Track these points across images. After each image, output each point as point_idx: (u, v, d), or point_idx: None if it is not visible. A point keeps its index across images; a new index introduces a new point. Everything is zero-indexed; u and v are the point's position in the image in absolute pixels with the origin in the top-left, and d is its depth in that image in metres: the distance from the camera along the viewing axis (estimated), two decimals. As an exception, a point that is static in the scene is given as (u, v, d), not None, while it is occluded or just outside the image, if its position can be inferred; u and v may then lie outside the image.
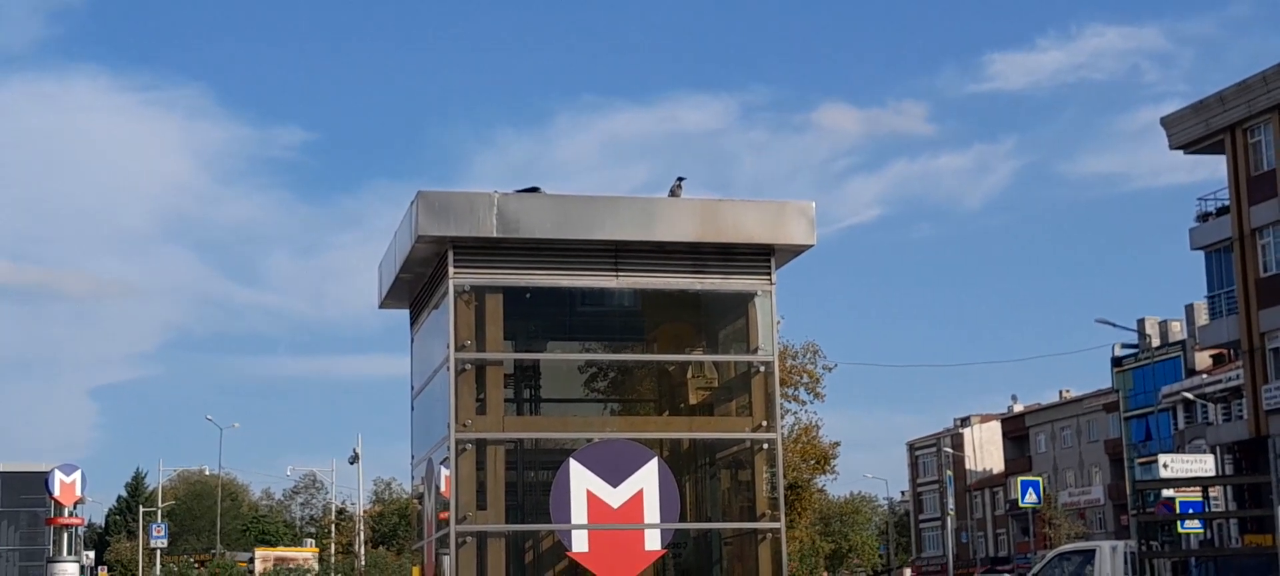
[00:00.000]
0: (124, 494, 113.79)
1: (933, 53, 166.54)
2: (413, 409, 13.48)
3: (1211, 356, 76.50)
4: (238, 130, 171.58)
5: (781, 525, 12.11)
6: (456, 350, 11.62)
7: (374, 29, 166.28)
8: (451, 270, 11.73)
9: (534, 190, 12.24)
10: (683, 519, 12.25)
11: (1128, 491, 77.03)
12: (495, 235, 11.67)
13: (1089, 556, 24.52)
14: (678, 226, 12.05)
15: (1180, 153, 49.66)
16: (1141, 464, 66.84)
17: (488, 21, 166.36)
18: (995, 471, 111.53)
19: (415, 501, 14.26)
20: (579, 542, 11.72)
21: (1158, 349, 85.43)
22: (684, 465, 12.79)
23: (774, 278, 12.28)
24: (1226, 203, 49.04)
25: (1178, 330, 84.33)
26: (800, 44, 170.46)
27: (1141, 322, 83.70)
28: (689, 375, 13.17)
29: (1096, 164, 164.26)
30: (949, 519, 25.35)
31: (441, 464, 12.03)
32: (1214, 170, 51.17)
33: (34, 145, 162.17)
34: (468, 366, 11.66)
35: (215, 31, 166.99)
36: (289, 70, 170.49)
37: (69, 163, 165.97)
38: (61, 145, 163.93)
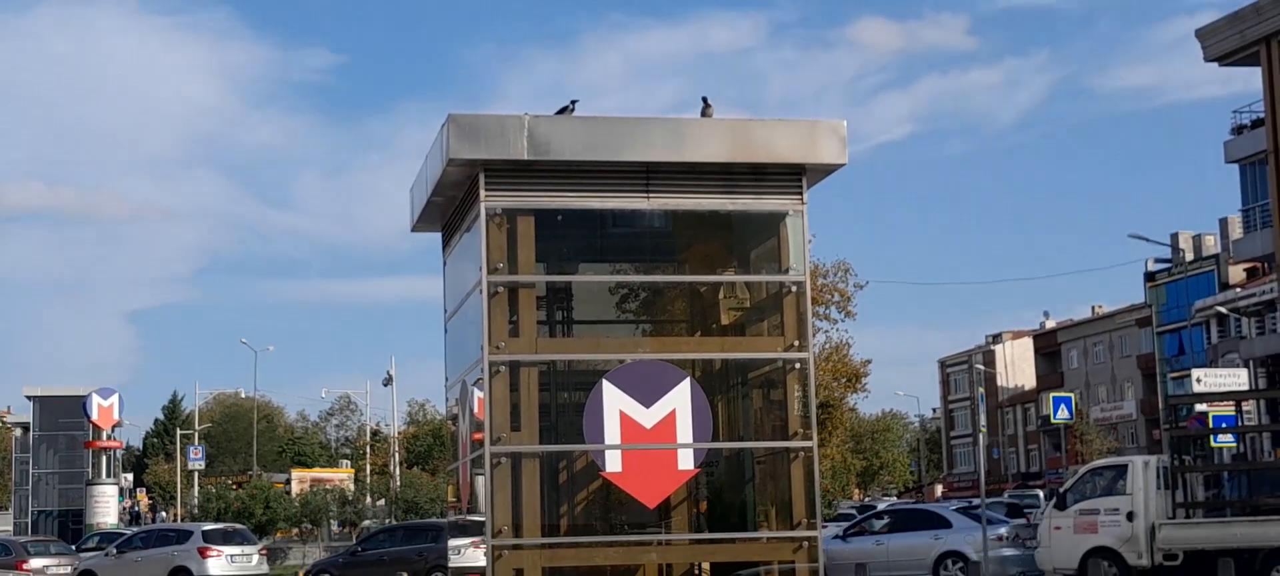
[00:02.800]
0: (161, 417, 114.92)
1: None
2: (446, 331, 13.56)
3: (1245, 270, 76.07)
4: (265, 53, 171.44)
5: (814, 443, 12.17)
6: (489, 273, 11.67)
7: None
8: (483, 193, 11.76)
9: (571, 106, 12.22)
10: (715, 438, 12.33)
11: (1160, 406, 76.90)
12: (526, 158, 11.69)
13: (1121, 471, 24.48)
14: (708, 147, 12.04)
15: (1214, 65, 49.14)
16: (1174, 378, 66.69)
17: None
18: (1027, 388, 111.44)
19: (449, 423, 14.38)
20: (612, 462, 11.82)
21: (1191, 263, 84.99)
22: (716, 385, 12.85)
23: (805, 197, 12.28)
24: (1262, 115, 48.58)
25: (1211, 244, 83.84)
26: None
27: (1175, 237, 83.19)
28: (721, 295, 13.20)
29: (1130, 77, 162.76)
30: (980, 435, 25.47)
31: (475, 386, 12.12)
32: (1249, 82, 50.58)
33: (63, 70, 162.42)
34: (500, 289, 11.72)
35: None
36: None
37: (98, 87, 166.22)
38: (90, 70, 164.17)
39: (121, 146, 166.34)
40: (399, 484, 66.01)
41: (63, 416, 63.98)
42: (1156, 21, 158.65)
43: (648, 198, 12.08)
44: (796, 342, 12.18)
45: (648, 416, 11.87)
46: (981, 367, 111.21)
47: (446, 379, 13.70)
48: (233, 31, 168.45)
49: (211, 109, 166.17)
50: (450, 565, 25.18)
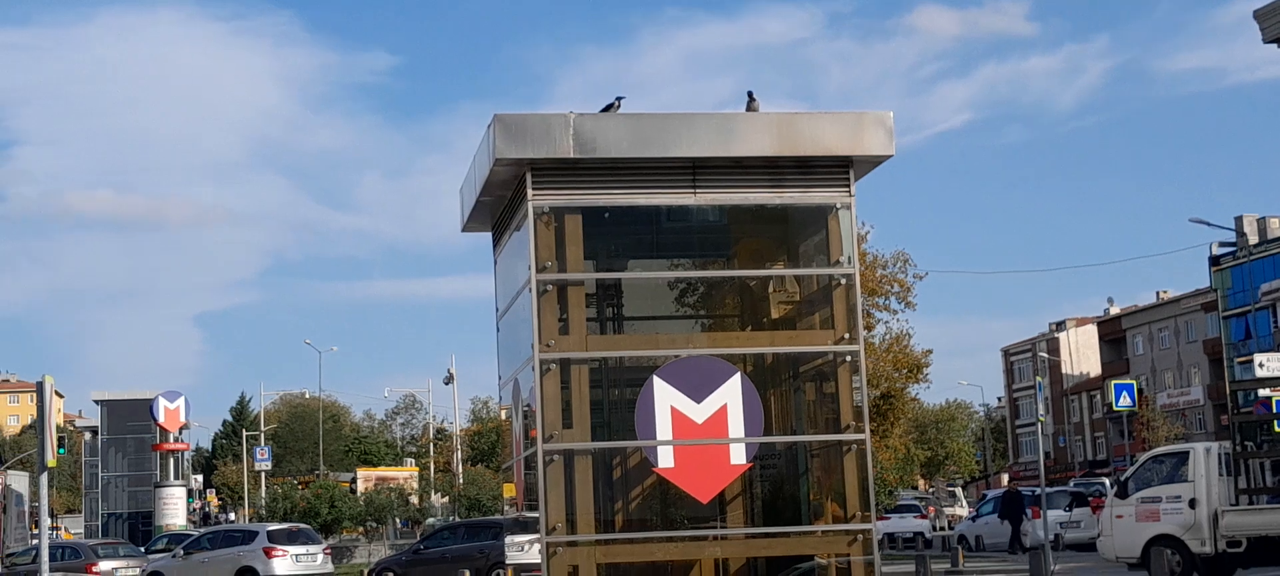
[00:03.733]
0: (229, 418, 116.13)
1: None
2: (498, 330, 13.65)
3: (1312, 252, 75.11)
4: (325, 56, 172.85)
5: (866, 436, 12.15)
6: (538, 271, 11.73)
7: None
8: (530, 192, 11.82)
9: (617, 103, 12.27)
10: (768, 432, 12.34)
11: (1227, 392, 76.10)
12: (572, 156, 11.74)
13: (1182, 458, 24.29)
14: (755, 141, 12.05)
15: (1275, 46, 48.56)
16: (1241, 363, 65.87)
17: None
18: (1092, 375, 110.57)
19: (506, 420, 14.46)
20: (665, 458, 11.85)
21: (1256, 246, 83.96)
22: (768, 379, 12.85)
23: (853, 189, 12.26)
24: (1325, 95, 47.94)
25: (1276, 226, 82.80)
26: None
27: (1239, 220, 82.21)
28: (770, 289, 13.21)
29: (1191, 60, 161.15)
30: (1041, 424, 25.35)
31: (527, 384, 12.19)
32: (1312, 62, 50.01)
33: (125, 78, 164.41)
34: (549, 287, 11.78)
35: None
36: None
37: (161, 94, 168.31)
38: (151, 77, 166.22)
39: (186, 152, 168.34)
40: (462, 481, 66.35)
41: (131, 420, 64.79)
42: (1217, 3, 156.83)
43: (695, 193, 12.11)
44: (847, 335, 12.16)
45: (699, 411, 11.90)
46: (1045, 355, 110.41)
47: (499, 377, 13.79)
48: (292, 35, 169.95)
49: (273, 112, 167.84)
50: (509, 561, 25.31)
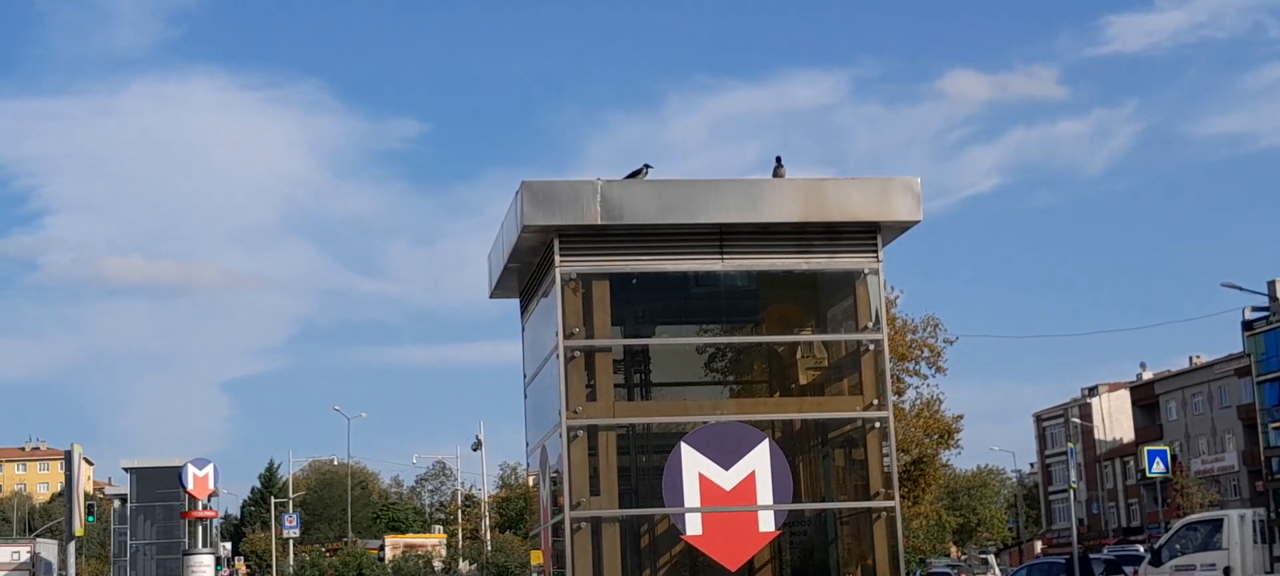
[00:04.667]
0: (258, 485, 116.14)
1: (1050, 18, 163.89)
2: (526, 396, 13.61)
3: (1346, 317, 74.57)
4: (354, 123, 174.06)
5: (896, 503, 12.05)
6: (565, 337, 11.71)
7: (485, 18, 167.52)
8: (558, 258, 11.82)
9: (644, 169, 12.28)
10: (796, 499, 12.24)
11: (1262, 457, 75.40)
12: (599, 222, 11.74)
13: (1217, 525, 24.08)
14: (782, 207, 12.03)
15: (1306, 110, 48.37)
16: (1275, 429, 65.34)
17: (598, 6, 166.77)
18: (1125, 440, 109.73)
19: (534, 487, 14.41)
20: (693, 525, 11.76)
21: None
22: (796, 445, 12.78)
23: (881, 255, 12.22)
24: (1356, 159, 47.77)
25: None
26: (914, 15, 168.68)
27: (1272, 284, 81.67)
28: (799, 355, 13.15)
29: (1221, 124, 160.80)
30: (1073, 491, 25.16)
31: (554, 450, 12.14)
32: (1343, 126, 49.85)
33: (158, 146, 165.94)
34: (577, 353, 11.75)
35: (330, 28, 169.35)
36: (403, 62, 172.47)
37: (193, 161, 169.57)
38: (183, 145, 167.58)
39: (217, 218, 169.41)
40: (490, 548, 66.10)
41: (160, 487, 64.80)
42: (1247, 67, 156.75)
43: (722, 259, 12.09)
44: (876, 401, 12.09)
45: (727, 478, 11.82)
46: (1078, 421, 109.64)
47: (527, 443, 13.75)
48: (322, 104, 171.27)
49: (302, 179, 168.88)
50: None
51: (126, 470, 70.16)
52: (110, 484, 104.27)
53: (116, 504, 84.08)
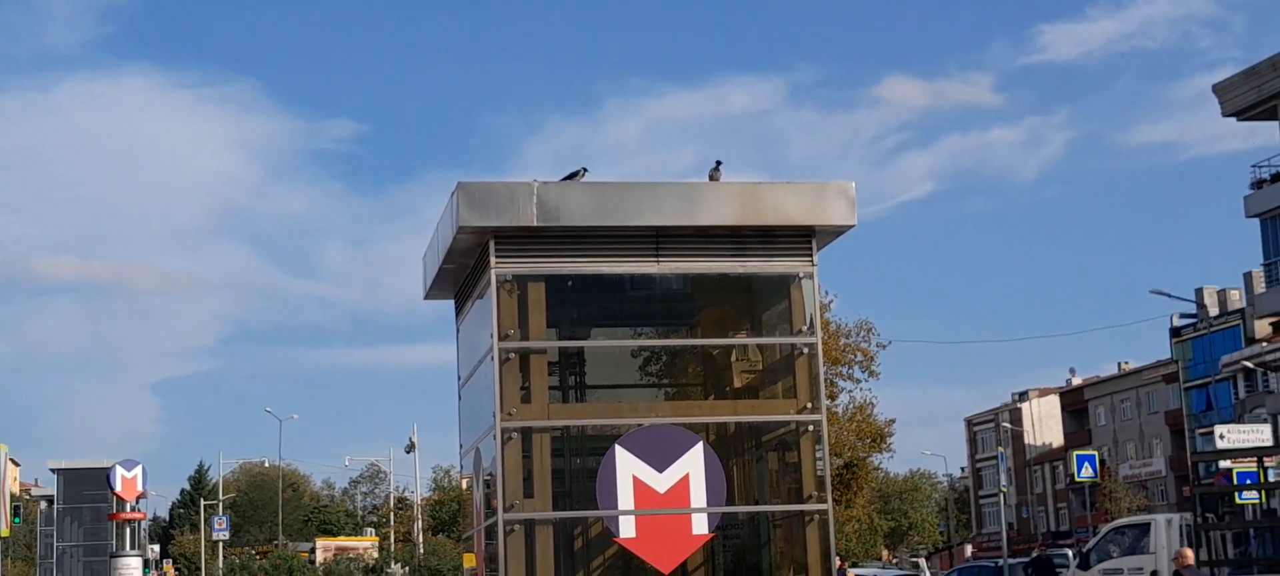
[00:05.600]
0: (187, 487, 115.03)
1: (984, 26, 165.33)
2: (460, 398, 13.57)
3: (1271, 324, 75.64)
4: (289, 124, 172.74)
5: (829, 506, 12.10)
6: (500, 339, 11.67)
7: (421, 20, 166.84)
8: (493, 260, 11.78)
9: (581, 172, 12.27)
10: (730, 502, 12.26)
11: (1188, 463, 76.36)
12: (536, 224, 11.71)
13: (1144, 530, 24.38)
14: (718, 210, 12.05)
15: (1233, 120, 49.14)
16: (1202, 434, 66.26)
17: (536, 8, 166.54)
18: (1055, 445, 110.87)
19: (467, 489, 14.35)
20: (626, 528, 11.76)
21: (1217, 318, 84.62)
22: (730, 448, 12.80)
23: (815, 259, 12.27)
24: (1281, 169, 48.52)
25: (1236, 299, 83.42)
26: (851, 21, 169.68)
27: (1200, 292, 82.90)
28: (733, 358, 13.18)
29: (1150, 133, 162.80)
30: (1003, 494, 25.32)
31: (488, 452, 12.10)
32: (1269, 136, 50.57)
33: (90, 144, 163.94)
34: (511, 355, 11.72)
35: (266, 27, 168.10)
36: (339, 63, 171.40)
37: (125, 160, 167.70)
38: (116, 143, 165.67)
39: (150, 218, 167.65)
40: (422, 551, 65.83)
41: (87, 489, 64.07)
42: (1177, 78, 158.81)
43: (658, 261, 12.09)
44: (810, 404, 12.14)
45: (661, 481, 11.83)
46: (1008, 426, 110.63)
47: (460, 445, 13.70)
48: (256, 104, 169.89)
49: (237, 180, 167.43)
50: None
51: (53, 471, 69.30)
52: (37, 485, 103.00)
53: (43, 505, 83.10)
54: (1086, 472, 37.90)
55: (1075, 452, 41.27)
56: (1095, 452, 45.36)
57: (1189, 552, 21.98)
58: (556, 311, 12.24)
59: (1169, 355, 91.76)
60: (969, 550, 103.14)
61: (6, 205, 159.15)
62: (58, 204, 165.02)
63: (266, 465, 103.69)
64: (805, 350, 12.20)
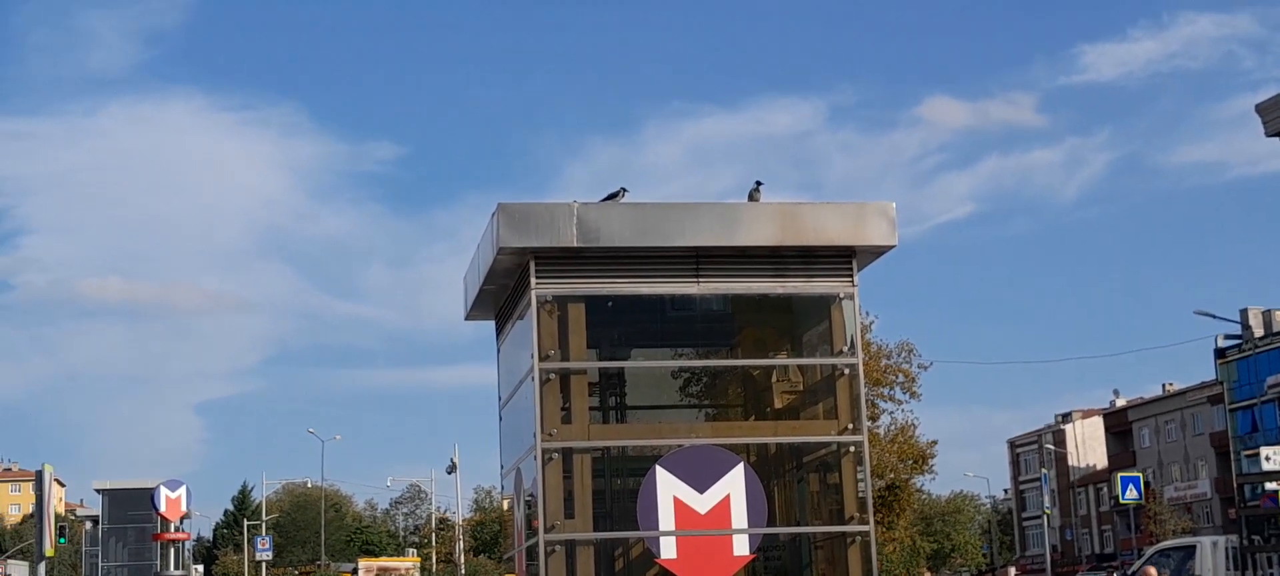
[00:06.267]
0: (231, 507, 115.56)
1: (1025, 46, 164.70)
2: (501, 419, 13.58)
3: (1317, 345, 75.02)
4: (331, 146, 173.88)
5: (871, 527, 12.05)
6: (540, 360, 11.69)
7: (463, 44, 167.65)
8: (533, 281, 11.80)
9: (620, 192, 12.29)
10: (771, 523, 12.23)
11: (1234, 484, 75.64)
12: (576, 245, 11.73)
13: (1190, 552, 24.15)
14: (758, 231, 12.04)
15: (1276, 140, 48.74)
16: (1248, 456, 65.69)
17: (576, 31, 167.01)
18: (1099, 467, 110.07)
19: (509, 510, 14.37)
20: (667, 549, 11.74)
21: (1262, 339, 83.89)
22: (771, 469, 12.77)
23: (856, 279, 12.24)
24: (1327, 188, 48.10)
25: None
26: (893, 41, 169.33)
27: (1244, 313, 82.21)
28: (774, 379, 13.15)
29: (1193, 153, 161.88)
30: (1046, 516, 25.11)
31: (529, 473, 12.12)
32: (1315, 155, 50.15)
33: (135, 166, 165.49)
34: (552, 376, 11.73)
35: (308, 51, 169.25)
36: (381, 86, 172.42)
37: (169, 183, 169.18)
38: (161, 166, 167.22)
39: (195, 240, 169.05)
40: (464, 571, 65.89)
41: (132, 509, 64.53)
42: (1219, 98, 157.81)
43: (697, 282, 12.09)
44: (851, 426, 12.10)
45: (702, 502, 11.81)
46: (1051, 448, 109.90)
47: (501, 466, 13.72)
48: (299, 126, 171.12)
49: (279, 202, 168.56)
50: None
51: (98, 491, 69.84)
52: (82, 505, 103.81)
53: (88, 525, 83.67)
54: (1131, 494, 37.60)
55: (1119, 474, 40.98)
56: (1140, 474, 45.00)
57: (1152, 571, 21.92)
58: (597, 332, 12.25)
59: (1214, 376, 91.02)
60: (1012, 572, 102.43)
61: (53, 227, 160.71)
62: (103, 226, 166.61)
63: (309, 486, 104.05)
64: (846, 371, 12.16)
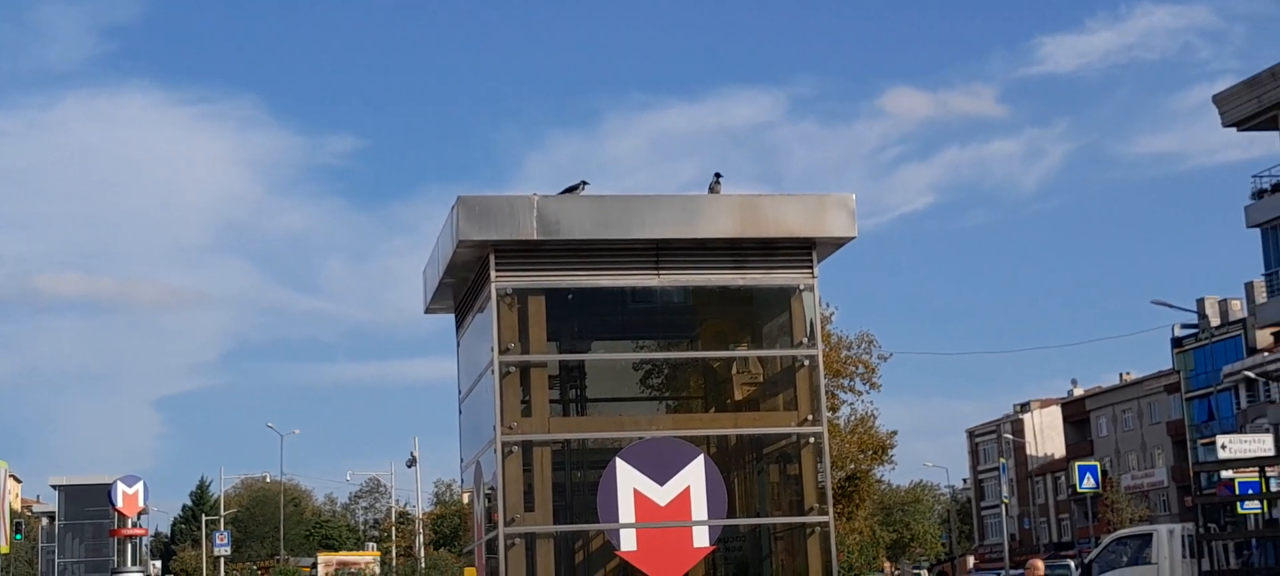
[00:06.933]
0: (189, 503, 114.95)
1: (984, 37, 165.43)
2: (460, 412, 13.57)
3: (1272, 334, 75.62)
4: (290, 139, 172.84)
5: (830, 518, 12.09)
6: (500, 353, 11.68)
7: (422, 35, 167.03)
8: (493, 274, 11.79)
9: (582, 185, 12.27)
10: (731, 514, 12.26)
11: (1190, 473, 76.25)
12: (536, 238, 11.72)
13: (1146, 540, 24.35)
14: (718, 223, 12.06)
15: (1233, 130, 49.15)
16: (1204, 444, 66.24)
17: (535, 23, 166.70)
18: (1057, 456, 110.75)
19: (469, 503, 14.35)
20: (627, 541, 11.75)
21: (1218, 328, 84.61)
22: (731, 461, 12.80)
23: (816, 271, 12.27)
24: (1282, 179, 48.53)
25: (1238, 309, 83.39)
26: (855, 33, 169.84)
27: (1201, 302, 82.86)
28: (734, 371, 13.18)
29: (1150, 144, 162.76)
30: (1005, 506, 25.29)
31: (489, 466, 12.10)
32: (1269, 146, 50.56)
33: (92, 161, 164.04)
34: (511, 369, 11.72)
35: (266, 43, 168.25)
36: (339, 78, 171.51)
37: (126, 177, 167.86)
38: (118, 160, 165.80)
39: (152, 235, 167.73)
40: (424, 565, 65.77)
41: (89, 505, 64.09)
42: (1176, 89, 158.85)
43: (658, 275, 12.09)
44: (811, 416, 12.14)
45: (662, 494, 11.82)
46: (1010, 437, 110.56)
47: (461, 459, 13.70)
48: (257, 119, 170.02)
49: (239, 196, 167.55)
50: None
51: (55, 487, 69.34)
52: (39, 502, 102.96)
53: (45, 521, 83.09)
54: (1088, 483, 37.87)
55: (1077, 463, 41.29)
56: (1097, 463, 45.32)
57: (1040, 564, 22.13)
58: (557, 325, 12.24)
59: (1171, 365, 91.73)
60: (970, 561, 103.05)
61: (9, 222, 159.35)
62: (60, 220, 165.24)
63: (268, 480, 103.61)
64: (806, 362, 12.20)
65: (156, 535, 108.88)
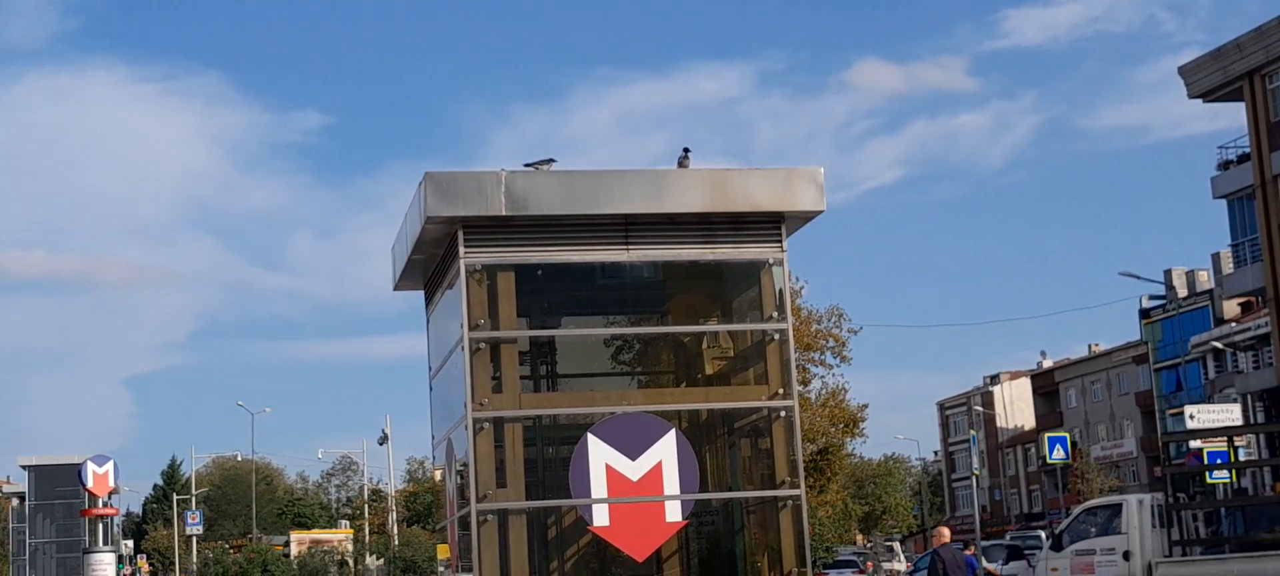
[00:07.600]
0: (160, 482, 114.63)
1: (950, 10, 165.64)
2: (431, 389, 13.53)
3: (1239, 304, 76.09)
4: (256, 116, 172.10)
5: (802, 492, 12.12)
6: (470, 329, 11.65)
7: (387, 10, 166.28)
8: (462, 250, 11.75)
9: (549, 161, 12.23)
10: (703, 489, 12.27)
11: (1159, 443, 76.73)
12: (504, 213, 11.68)
13: (1116, 510, 24.44)
14: (687, 197, 12.04)
15: (1199, 101, 49.34)
16: (1172, 415, 66.59)
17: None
18: (1026, 428, 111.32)
19: (441, 480, 14.31)
20: (600, 516, 11.75)
21: (1185, 299, 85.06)
22: (703, 435, 12.80)
23: (785, 245, 12.27)
24: (1247, 149, 48.76)
25: (1205, 279, 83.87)
26: (818, 6, 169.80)
27: (1168, 273, 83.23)
28: (704, 345, 13.18)
29: (1117, 116, 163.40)
30: (976, 477, 25.47)
31: (460, 443, 12.08)
32: (1234, 118, 50.79)
33: (56, 139, 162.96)
34: (482, 345, 11.69)
35: (230, 19, 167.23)
36: (305, 55, 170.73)
37: (91, 155, 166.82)
38: (82, 138, 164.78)
39: (119, 213, 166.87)
40: (397, 543, 65.74)
41: (59, 485, 63.86)
42: (1142, 61, 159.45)
43: (627, 249, 12.07)
44: (782, 390, 12.15)
45: (634, 469, 11.82)
46: (980, 409, 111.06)
47: (433, 436, 13.67)
48: (222, 96, 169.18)
49: (204, 173, 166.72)
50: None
51: (24, 467, 69.03)
52: (8, 482, 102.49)
53: (15, 502, 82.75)
54: (1058, 455, 38.10)
55: (1047, 435, 41.50)
56: (1066, 434, 45.59)
57: (946, 531, 22.37)
58: (527, 301, 12.22)
59: (1139, 337, 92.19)
60: (946, 532, 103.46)
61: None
62: (24, 199, 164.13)
63: (239, 459, 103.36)
64: (776, 336, 12.21)
65: (128, 515, 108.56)
